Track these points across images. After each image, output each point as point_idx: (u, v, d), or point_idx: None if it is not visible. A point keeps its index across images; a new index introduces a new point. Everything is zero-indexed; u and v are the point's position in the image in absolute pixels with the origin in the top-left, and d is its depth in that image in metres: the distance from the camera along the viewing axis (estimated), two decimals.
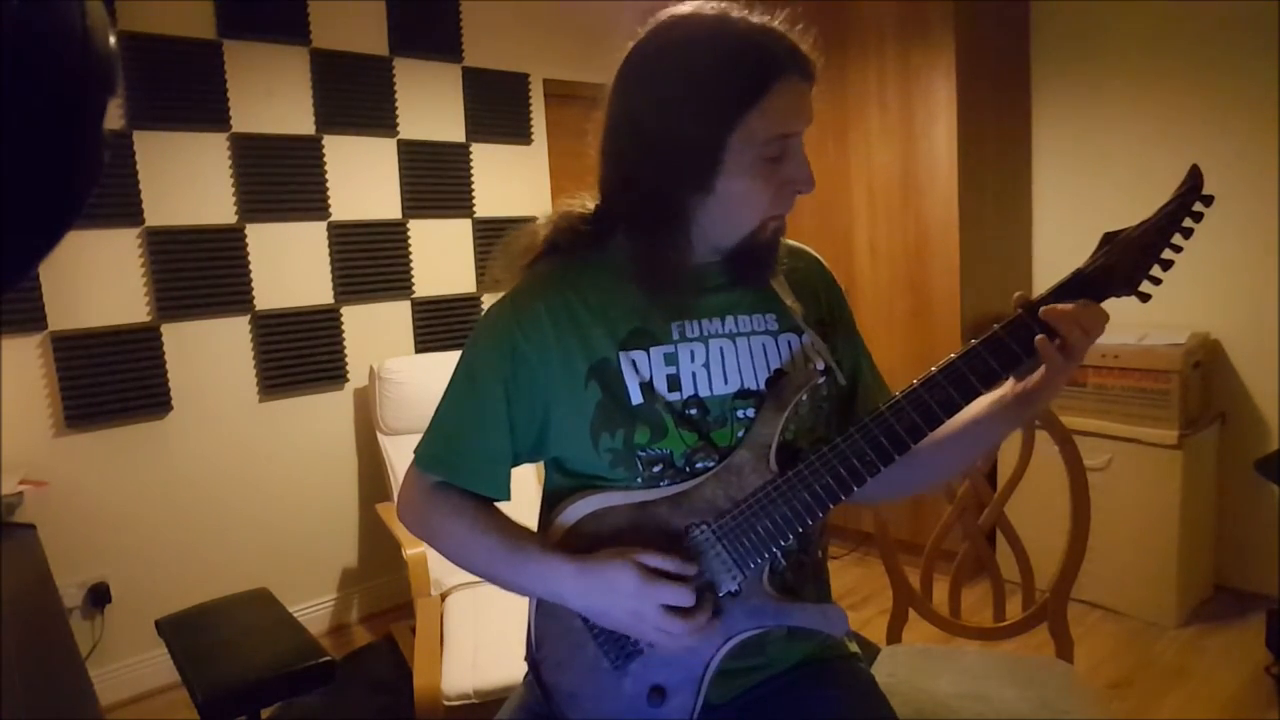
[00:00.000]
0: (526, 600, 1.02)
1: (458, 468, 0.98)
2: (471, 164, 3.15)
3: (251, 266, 2.67)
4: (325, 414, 2.87)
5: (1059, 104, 3.10)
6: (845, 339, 1.06)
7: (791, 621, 0.92)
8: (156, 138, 2.48)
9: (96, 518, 2.45)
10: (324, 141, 2.80)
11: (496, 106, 3.19)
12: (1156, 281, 0.85)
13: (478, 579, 1.92)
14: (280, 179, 2.72)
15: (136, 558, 2.51)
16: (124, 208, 2.44)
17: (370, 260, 2.93)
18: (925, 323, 3.03)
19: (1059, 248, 3.17)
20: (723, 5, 0.90)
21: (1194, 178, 0.84)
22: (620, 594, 0.86)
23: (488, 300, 3.17)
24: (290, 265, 2.76)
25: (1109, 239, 0.86)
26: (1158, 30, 2.82)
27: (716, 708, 0.97)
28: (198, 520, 2.62)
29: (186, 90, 2.52)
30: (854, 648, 1.10)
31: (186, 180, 2.54)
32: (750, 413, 0.93)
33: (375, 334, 2.96)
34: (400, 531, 2.41)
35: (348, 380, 2.91)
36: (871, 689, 1.05)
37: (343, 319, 2.89)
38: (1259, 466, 2.42)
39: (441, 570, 2.29)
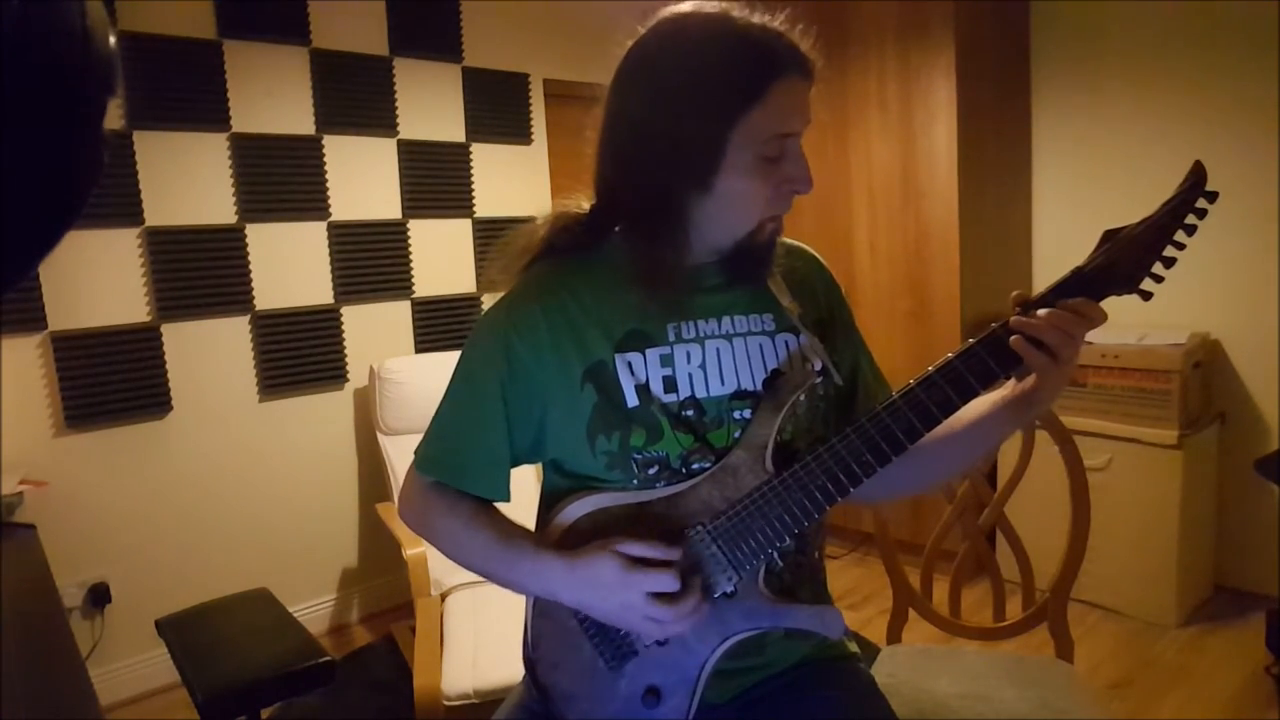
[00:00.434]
0: (526, 598, 1.02)
1: (456, 470, 0.98)
2: (471, 164, 3.15)
3: (251, 266, 2.67)
4: (325, 414, 2.87)
5: (1059, 104, 3.10)
6: (844, 338, 1.06)
7: (787, 623, 0.92)
8: (156, 138, 2.48)
9: (96, 518, 2.45)
10: (324, 141, 2.80)
11: (496, 106, 3.19)
12: (1159, 279, 0.84)
13: (478, 579, 1.93)
14: (280, 179, 2.72)
15: (136, 558, 2.51)
16: (124, 208, 2.44)
17: (370, 260, 2.93)
18: (925, 323, 3.03)
19: (1059, 247, 3.17)
20: (723, 5, 0.90)
21: (1197, 174, 0.83)
22: (606, 585, 0.86)
23: (487, 300, 3.16)
24: (290, 265, 2.76)
25: (1109, 236, 0.85)
26: (1158, 30, 2.82)
27: (715, 707, 0.97)
28: (198, 520, 2.62)
29: (186, 90, 2.52)
30: (854, 648, 1.10)
31: (186, 180, 2.54)
32: (747, 414, 0.93)
33: (375, 334, 2.96)
34: (400, 531, 2.41)
35: (348, 380, 2.91)
36: (871, 689, 1.05)
37: (343, 319, 2.89)
38: (1259, 466, 2.42)
39: (441, 570, 2.29)
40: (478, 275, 3.19)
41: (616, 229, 0.99)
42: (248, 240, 2.66)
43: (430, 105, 3.03)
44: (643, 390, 0.91)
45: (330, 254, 2.84)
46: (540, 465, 1.03)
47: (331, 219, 2.84)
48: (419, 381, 2.76)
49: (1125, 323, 2.75)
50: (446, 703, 1.79)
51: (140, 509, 2.52)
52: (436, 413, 1.00)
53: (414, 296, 3.05)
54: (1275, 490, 2.65)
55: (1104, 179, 3.01)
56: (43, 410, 2.36)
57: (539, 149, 3.33)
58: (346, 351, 2.90)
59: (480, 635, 2.00)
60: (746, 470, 0.90)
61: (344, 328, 2.89)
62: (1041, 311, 0.83)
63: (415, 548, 2.26)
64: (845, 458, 0.88)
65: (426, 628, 2.08)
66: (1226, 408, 2.79)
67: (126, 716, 2.46)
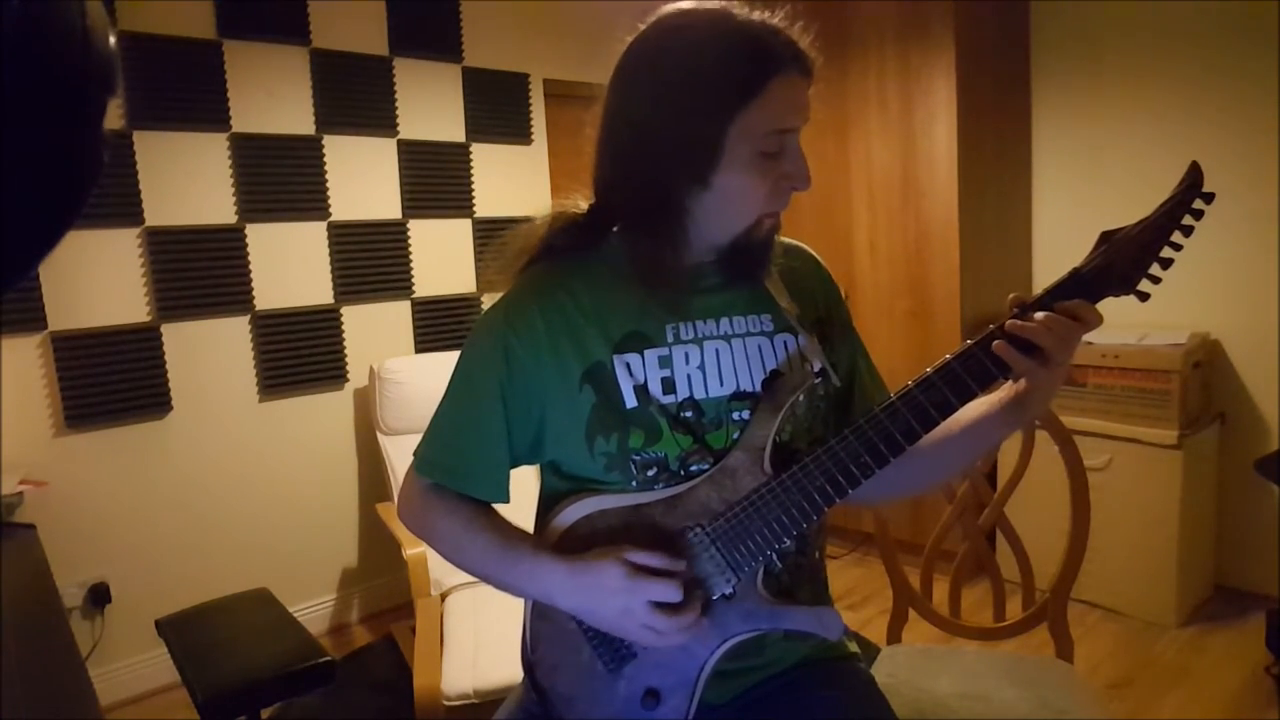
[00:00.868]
0: (524, 600, 1.02)
1: (455, 472, 0.98)
2: (471, 164, 3.15)
3: (251, 266, 2.67)
4: (325, 414, 2.87)
5: (1059, 104, 3.10)
6: (842, 339, 1.06)
7: (786, 625, 0.92)
8: (156, 138, 2.48)
9: (96, 518, 2.45)
10: (324, 141, 2.80)
11: (496, 106, 3.19)
12: (1156, 280, 0.85)
13: (478, 579, 1.92)
14: (280, 179, 2.72)
15: (136, 558, 2.51)
16: (124, 208, 2.44)
17: (370, 260, 2.93)
18: (925, 323, 3.03)
19: (1059, 248, 3.17)
20: (723, 2, 0.90)
21: (1194, 175, 0.83)
22: (608, 590, 0.86)
23: (487, 300, 3.16)
24: (290, 265, 2.76)
25: (1106, 238, 0.85)
26: (1158, 30, 2.82)
27: (715, 708, 0.97)
28: (198, 520, 2.62)
29: (186, 90, 2.52)
30: (854, 648, 1.10)
31: (186, 180, 2.54)
32: (746, 415, 0.93)
33: (375, 334, 2.96)
34: (400, 531, 2.41)
35: (348, 380, 2.91)
36: (871, 689, 1.05)
37: (343, 319, 2.89)
38: (1259, 466, 2.42)
39: (441, 570, 2.29)
40: (477, 275, 3.19)
41: (615, 229, 0.98)
42: (248, 240, 2.66)
43: (430, 105, 3.03)
44: (641, 391, 0.91)
45: (330, 254, 2.84)
46: (539, 467, 1.03)
47: (331, 219, 2.84)
48: (419, 381, 2.76)
49: (1125, 323, 2.75)
50: (446, 703, 1.79)
51: (140, 509, 2.52)
52: (435, 414, 1.00)
53: (414, 296, 3.05)
54: (1275, 490, 2.65)
55: (1104, 179, 3.01)
56: (43, 410, 2.36)
57: (539, 149, 3.33)
58: (346, 351, 2.90)
59: (480, 635, 2.00)
60: (745, 472, 0.90)
61: (344, 328, 2.89)
62: (1037, 315, 0.83)
63: (415, 548, 2.26)
64: (844, 459, 0.88)
65: (426, 628, 2.08)
66: (1226, 408, 2.79)
67: (126, 716, 2.46)
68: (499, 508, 1.01)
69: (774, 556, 0.93)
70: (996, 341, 0.84)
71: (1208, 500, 2.75)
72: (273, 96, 2.68)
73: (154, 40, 2.44)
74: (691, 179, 0.89)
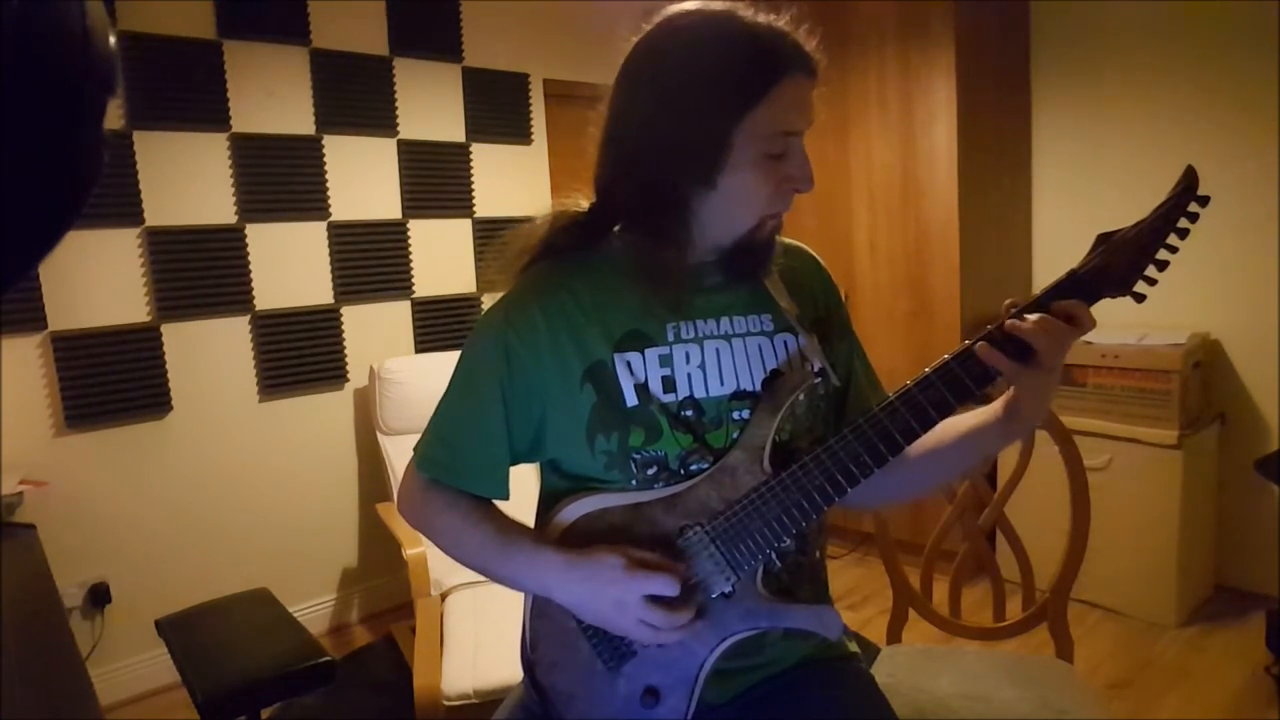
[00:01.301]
0: (524, 598, 1.02)
1: (455, 470, 0.98)
2: (471, 164, 3.15)
3: (251, 266, 2.67)
4: (325, 414, 2.87)
5: (1059, 104, 3.10)
6: (840, 340, 1.06)
7: (785, 623, 0.92)
8: (156, 138, 2.48)
9: (96, 518, 2.45)
10: (324, 141, 2.80)
11: (496, 106, 3.19)
12: (1152, 282, 0.85)
13: (478, 579, 1.92)
14: (280, 179, 2.72)
15: (136, 558, 2.51)
16: (124, 208, 2.44)
17: (370, 260, 2.93)
18: (925, 323, 3.03)
19: (1059, 248, 3.17)
20: (729, 4, 0.90)
21: (1189, 178, 0.84)
22: (604, 582, 0.87)
23: (487, 300, 3.16)
24: (290, 265, 2.76)
25: (1103, 240, 0.86)
26: (1158, 30, 2.82)
27: (715, 707, 0.97)
28: (198, 520, 2.62)
29: (186, 90, 2.52)
30: (854, 648, 1.10)
31: (186, 180, 2.54)
32: (746, 414, 0.93)
33: (375, 334, 2.96)
34: (400, 531, 2.41)
35: (348, 380, 2.91)
36: (871, 689, 1.05)
37: (343, 319, 2.89)
38: (1259, 466, 2.42)
39: (441, 570, 2.29)
40: (478, 275, 3.19)
41: (616, 229, 0.99)
42: (248, 240, 2.66)
43: (430, 105, 3.03)
44: (642, 390, 0.92)
45: (330, 254, 2.84)
46: (540, 465, 1.03)
47: (331, 219, 2.84)
48: (419, 381, 2.76)
49: (1125, 323, 2.75)
50: (446, 703, 1.79)
51: (140, 509, 2.52)
52: (435, 412, 1.00)
53: (414, 296, 3.05)
54: (1275, 490, 2.65)
55: (1104, 179, 3.01)
56: (43, 410, 2.36)
57: (539, 149, 3.33)
58: (346, 351, 2.90)
59: (480, 635, 2.00)
60: (744, 471, 0.90)
61: (344, 328, 2.89)
62: (1031, 316, 0.83)
63: (415, 548, 2.26)
64: (843, 459, 0.88)
65: (426, 628, 2.08)
66: (1226, 408, 2.79)
67: (126, 716, 2.46)
68: (501, 505, 1.01)
69: (773, 555, 0.93)
70: (979, 344, 0.84)
71: (1208, 500, 2.75)
72: (273, 96, 2.68)
73: (154, 40, 2.44)
74: (696, 179, 0.89)
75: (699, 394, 0.93)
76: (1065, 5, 3.03)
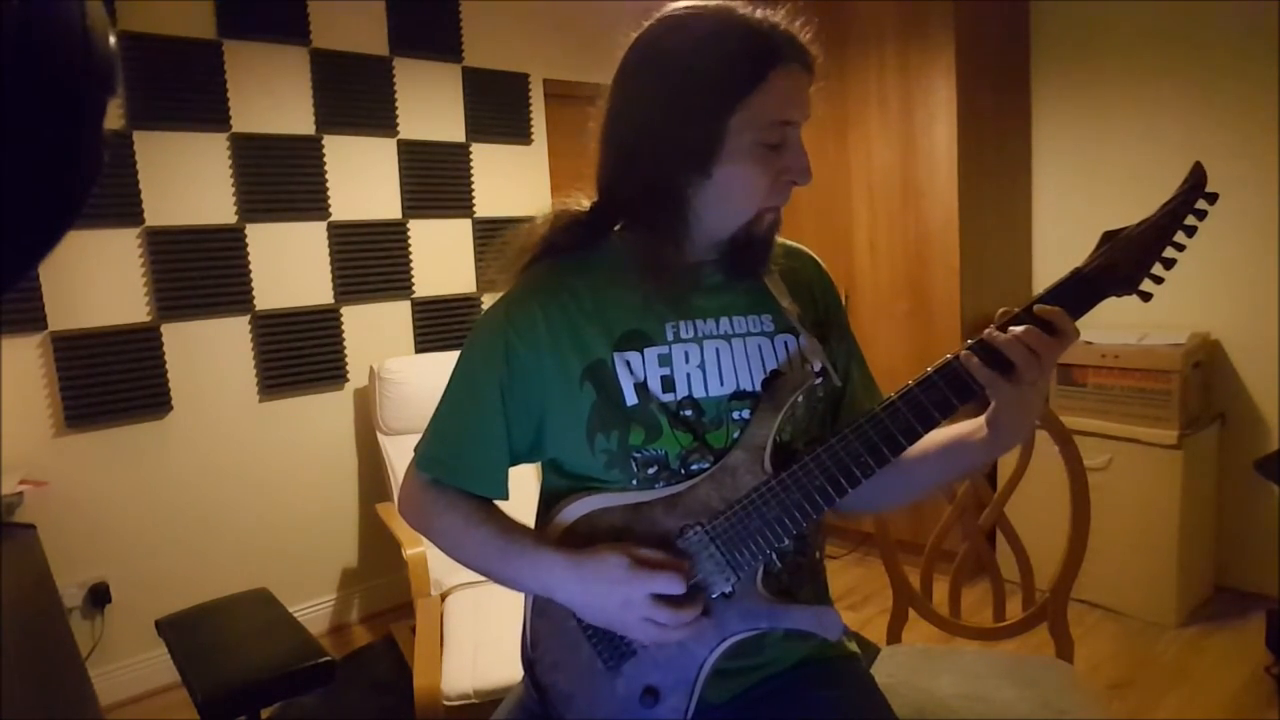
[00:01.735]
0: (524, 598, 1.02)
1: (456, 469, 0.98)
2: (471, 164, 3.15)
3: (251, 266, 2.67)
4: (325, 414, 2.87)
5: (1059, 104, 3.10)
6: (839, 342, 1.06)
7: (785, 624, 0.92)
8: (156, 138, 2.48)
9: (96, 518, 2.45)
10: (324, 141, 2.80)
11: (496, 106, 3.19)
12: (1158, 280, 0.85)
13: (478, 579, 1.92)
14: (280, 179, 2.72)
15: (136, 558, 2.51)
16: (124, 208, 2.44)
17: (370, 260, 2.93)
18: (925, 323, 3.03)
19: (1059, 248, 3.17)
20: (725, 3, 0.91)
21: (1197, 175, 0.83)
22: (610, 582, 0.86)
23: (487, 300, 3.17)
24: (290, 265, 2.76)
25: (1109, 237, 0.85)
26: (1157, 30, 2.82)
27: (715, 707, 0.97)
28: (198, 520, 2.62)
29: (186, 90, 2.52)
30: (854, 648, 1.10)
31: (186, 180, 2.54)
32: (745, 414, 0.93)
33: (375, 334, 2.96)
34: (400, 531, 2.41)
35: (348, 380, 2.91)
36: (871, 689, 1.05)
37: (343, 319, 2.89)
38: (1259, 466, 2.42)
39: (441, 570, 2.29)
40: (478, 275, 3.19)
41: (616, 228, 0.99)
42: (248, 240, 2.66)
43: (430, 105, 3.03)
44: (641, 389, 0.92)
45: (330, 254, 2.84)
46: (540, 465, 1.03)
47: (331, 219, 2.84)
48: (419, 381, 2.76)
49: (1125, 323, 2.75)
50: (446, 703, 1.79)
51: (140, 509, 2.52)
52: (436, 412, 1.00)
53: (414, 296, 3.05)
54: (1275, 490, 2.65)
55: (1104, 179, 3.01)
56: (43, 410, 2.36)
57: (539, 149, 3.33)
58: (346, 351, 2.90)
59: (480, 635, 2.00)
60: (745, 471, 0.90)
61: (344, 328, 2.89)
62: (1013, 328, 0.83)
63: (415, 548, 2.26)
64: (843, 458, 0.88)
65: (426, 628, 2.08)
66: (1226, 408, 2.79)
67: (126, 716, 2.46)
68: (501, 505, 1.01)
69: (774, 556, 0.93)
70: (965, 353, 0.84)
71: (1208, 500, 2.75)
72: (273, 96, 2.68)
73: (154, 40, 2.44)
74: (693, 169, 0.89)
75: (698, 394, 0.93)
76: (1065, 5, 3.03)
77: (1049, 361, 0.83)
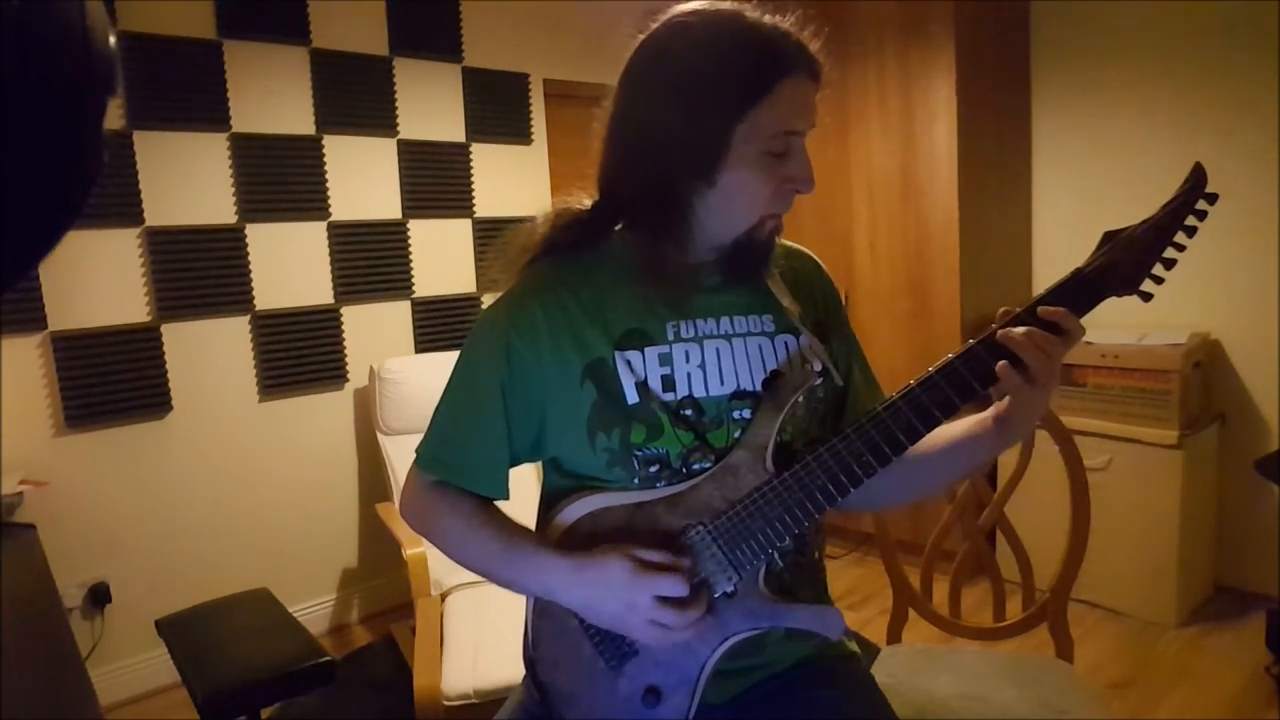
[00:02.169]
0: (526, 598, 1.02)
1: (456, 468, 0.98)
2: (471, 164, 3.15)
3: (251, 266, 2.67)
4: (325, 414, 2.87)
5: (1059, 104, 3.10)
6: (840, 342, 1.06)
7: (787, 623, 0.92)
8: (156, 138, 2.48)
9: (96, 518, 2.45)
10: (324, 141, 2.80)
11: (496, 106, 3.19)
12: (1159, 280, 0.85)
13: (478, 579, 1.92)
14: (280, 179, 2.72)
15: (136, 558, 2.51)
16: (124, 208, 2.44)
17: (370, 260, 2.93)
18: (925, 323, 3.03)
19: (1059, 248, 3.17)
20: (734, 5, 0.91)
21: (1197, 175, 0.84)
22: (614, 585, 0.86)
23: (487, 300, 3.17)
24: (290, 265, 2.76)
25: (1110, 238, 0.86)
26: (1158, 30, 2.82)
27: (715, 707, 0.97)
28: (198, 520, 2.62)
29: (186, 90, 2.52)
30: (854, 648, 1.10)
31: (186, 180, 2.54)
32: (746, 413, 0.93)
33: (375, 334, 2.96)
34: (400, 531, 2.41)
35: (348, 380, 2.91)
36: (871, 689, 1.05)
37: (343, 319, 2.89)
38: (1259, 466, 2.42)
39: (441, 570, 2.29)
40: (478, 275, 3.19)
41: (617, 227, 0.99)
42: (248, 240, 2.66)
43: (430, 105, 3.03)
44: (642, 387, 0.92)
45: (330, 254, 2.84)
46: (541, 465, 1.03)
47: (331, 219, 2.84)
48: (419, 381, 2.76)
49: (1125, 323, 2.75)
50: (446, 703, 1.79)
51: (140, 509, 2.52)
52: (436, 411, 1.00)
53: (414, 296, 3.05)
54: (1275, 490, 2.65)
55: (1104, 179, 3.01)
56: (43, 410, 2.36)
57: (539, 149, 3.33)
58: (346, 351, 2.90)
59: (480, 635, 2.00)
60: (747, 470, 0.90)
61: (344, 328, 2.89)
62: (1018, 329, 0.83)
63: (415, 548, 2.26)
64: (846, 458, 0.88)
65: (426, 628, 2.08)
66: (1226, 408, 2.79)
67: (126, 716, 2.46)
68: (501, 505, 1.01)
69: (775, 555, 0.93)
70: (1001, 363, 0.84)
71: (1208, 500, 2.75)
72: (273, 96, 2.68)
73: (154, 40, 2.44)
74: (697, 175, 0.89)
75: (698, 393, 0.93)
76: (1065, 5, 3.03)
77: (1058, 358, 0.83)
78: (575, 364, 0.92)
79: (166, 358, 2.54)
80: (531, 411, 0.95)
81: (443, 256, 3.11)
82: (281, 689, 1.65)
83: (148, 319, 2.51)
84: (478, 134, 3.15)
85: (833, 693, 1.00)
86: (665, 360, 0.93)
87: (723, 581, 0.90)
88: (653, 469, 0.92)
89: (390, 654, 2.70)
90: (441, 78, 3.05)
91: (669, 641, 0.89)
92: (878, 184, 3.12)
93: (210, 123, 2.57)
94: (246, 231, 2.66)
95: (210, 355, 2.63)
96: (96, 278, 2.41)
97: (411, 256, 3.03)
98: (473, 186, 3.16)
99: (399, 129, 2.96)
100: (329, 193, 2.82)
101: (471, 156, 3.15)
